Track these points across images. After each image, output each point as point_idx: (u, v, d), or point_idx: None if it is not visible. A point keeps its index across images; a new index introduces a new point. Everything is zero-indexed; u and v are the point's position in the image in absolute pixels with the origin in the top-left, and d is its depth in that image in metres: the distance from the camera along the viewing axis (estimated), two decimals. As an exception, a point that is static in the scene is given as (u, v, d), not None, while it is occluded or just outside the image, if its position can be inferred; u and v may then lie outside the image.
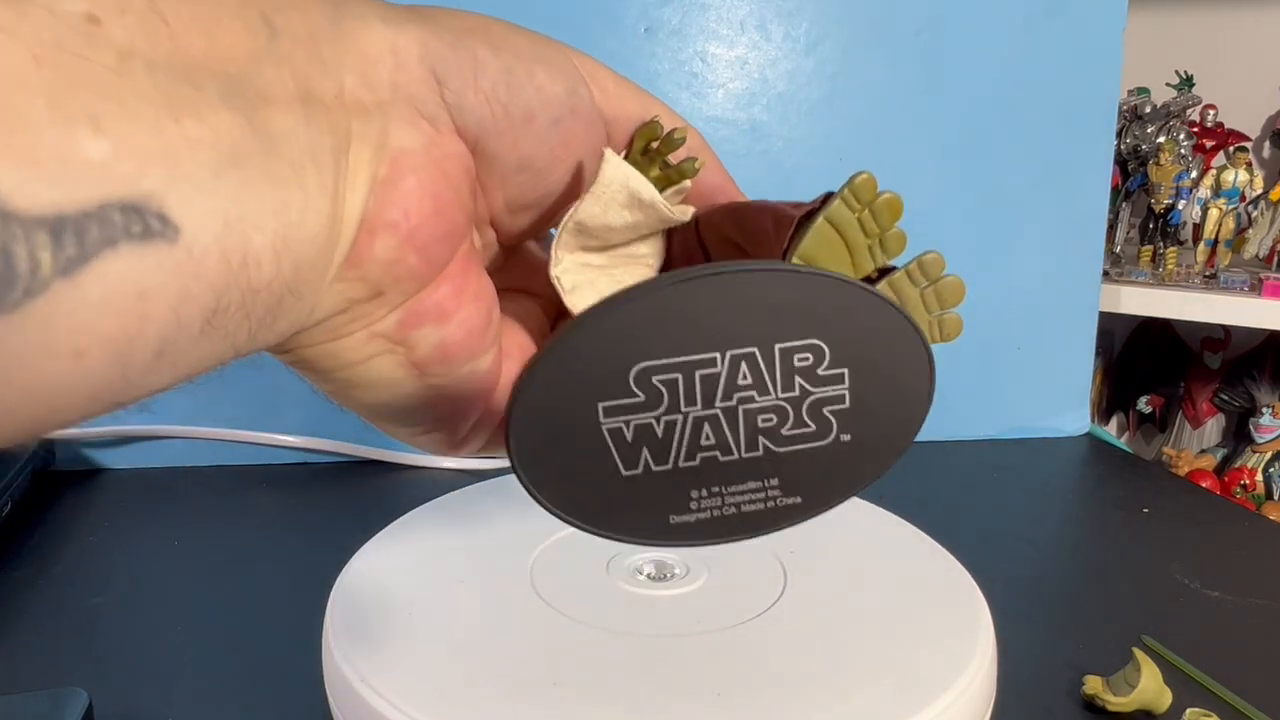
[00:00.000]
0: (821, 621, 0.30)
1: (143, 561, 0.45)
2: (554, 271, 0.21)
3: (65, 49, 0.12)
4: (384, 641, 0.28)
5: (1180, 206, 0.95)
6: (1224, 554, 0.48)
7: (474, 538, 0.35)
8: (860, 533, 0.36)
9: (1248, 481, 1.04)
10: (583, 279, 0.22)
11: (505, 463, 0.18)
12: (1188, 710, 0.32)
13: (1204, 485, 0.76)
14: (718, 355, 0.18)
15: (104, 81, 0.12)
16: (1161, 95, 1.02)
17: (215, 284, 0.14)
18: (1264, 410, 1.06)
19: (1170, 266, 0.95)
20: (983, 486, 0.58)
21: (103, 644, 0.37)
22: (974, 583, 0.32)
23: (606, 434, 0.18)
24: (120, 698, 0.33)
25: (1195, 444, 1.14)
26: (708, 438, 0.19)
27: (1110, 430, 1.20)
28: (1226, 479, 1.05)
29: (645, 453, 0.18)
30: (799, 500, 0.20)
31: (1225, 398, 1.11)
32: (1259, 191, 0.94)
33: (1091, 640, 0.38)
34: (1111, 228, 0.99)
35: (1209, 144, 1.05)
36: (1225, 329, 1.11)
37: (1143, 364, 1.20)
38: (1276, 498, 1.04)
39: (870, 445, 0.20)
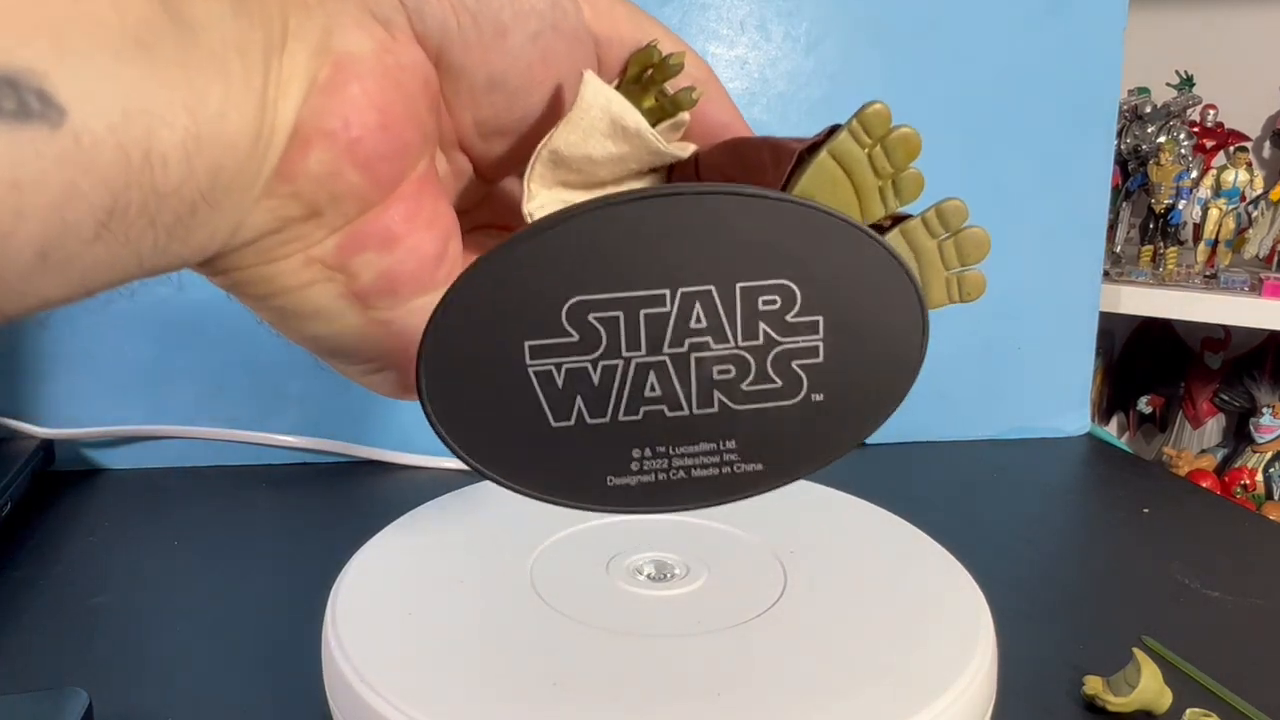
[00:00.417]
0: (821, 622, 0.30)
1: (143, 561, 0.44)
2: (527, 207, 0.19)
3: None
4: (384, 641, 0.28)
5: (1180, 206, 0.95)
6: (1224, 554, 0.48)
7: (474, 538, 0.35)
8: (860, 533, 0.36)
9: (1248, 481, 1.04)
10: None
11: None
12: (1188, 710, 0.32)
13: (1204, 485, 0.76)
14: (666, 292, 0.15)
15: None
16: (1161, 95, 1.02)
17: (111, 181, 0.12)
18: (1264, 410, 1.06)
19: (1170, 266, 0.95)
20: (983, 486, 0.58)
21: (103, 644, 0.37)
22: (974, 583, 0.32)
23: (534, 376, 0.16)
24: (120, 698, 0.33)
25: (1195, 444, 1.14)
26: (653, 388, 0.16)
27: (1110, 430, 1.20)
28: (1227, 479, 1.05)
29: (579, 402, 0.16)
30: (759, 467, 0.17)
31: (1225, 398, 1.11)
32: (1259, 191, 0.94)
33: (1091, 640, 0.38)
34: (1112, 228, 0.99)
35: (1209, 144, 1.05)
36: (1225, 329, 1.11)
37: (1143, 364, 1.21)
38: (1277, 498, 1.04)
39: (846, 408, 0.17)
